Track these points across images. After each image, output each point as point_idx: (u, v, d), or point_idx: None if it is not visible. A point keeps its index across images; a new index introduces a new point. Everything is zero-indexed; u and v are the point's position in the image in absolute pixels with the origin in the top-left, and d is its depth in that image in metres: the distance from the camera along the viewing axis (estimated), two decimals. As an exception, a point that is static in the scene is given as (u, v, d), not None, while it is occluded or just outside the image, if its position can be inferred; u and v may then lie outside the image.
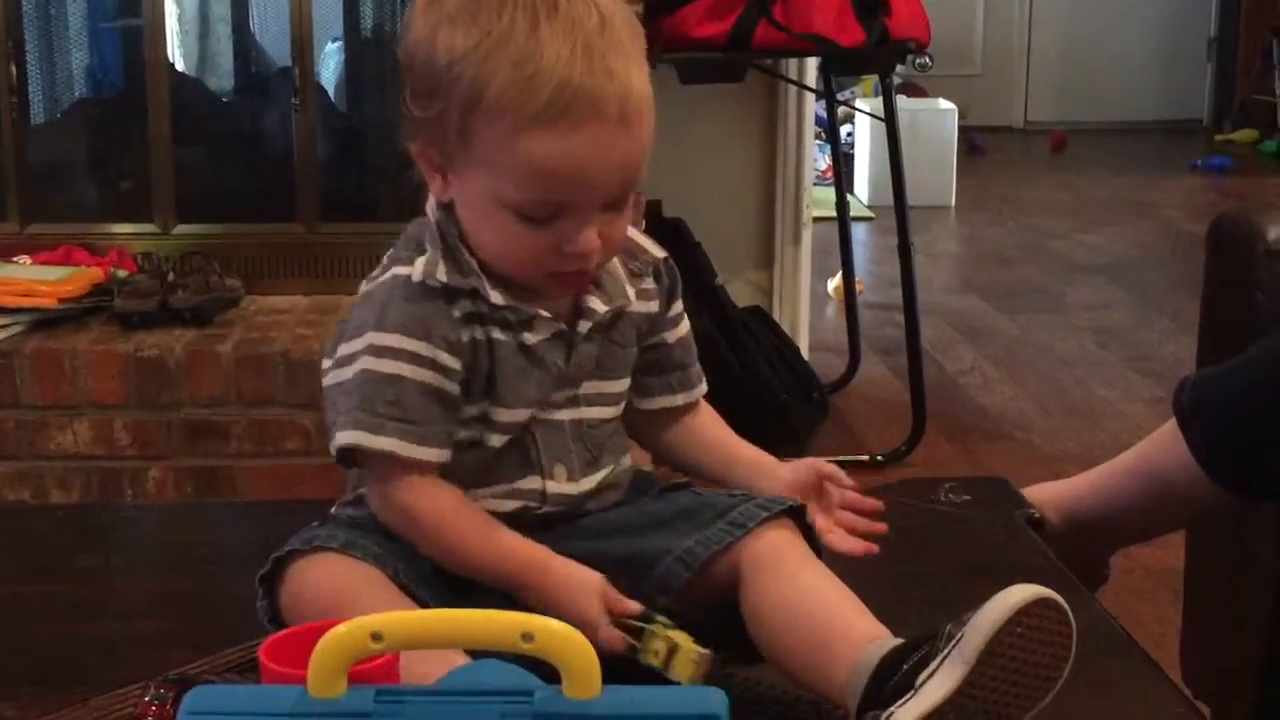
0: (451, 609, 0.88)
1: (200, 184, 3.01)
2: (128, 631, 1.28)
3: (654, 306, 1.20)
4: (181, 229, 2.95)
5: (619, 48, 1.06)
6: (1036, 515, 1.52)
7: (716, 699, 0.83)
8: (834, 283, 4.28)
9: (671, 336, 1.22)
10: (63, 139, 3.14)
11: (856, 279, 3.80)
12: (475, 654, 0.91)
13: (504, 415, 1.13)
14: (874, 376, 3.61)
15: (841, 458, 3.05)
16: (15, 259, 2.81)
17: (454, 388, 1.10)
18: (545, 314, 1.12)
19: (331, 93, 3.24)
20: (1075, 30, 8.38)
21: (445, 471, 1.11)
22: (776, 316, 3.51)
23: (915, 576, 1.08)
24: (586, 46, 1.04)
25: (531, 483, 1.14)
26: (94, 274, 2.76)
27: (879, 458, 3.02)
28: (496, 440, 1.13)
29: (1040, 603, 0.97)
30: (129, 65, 3.19)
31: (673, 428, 1.23)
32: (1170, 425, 1.54)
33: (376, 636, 0.80)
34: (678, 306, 1.22)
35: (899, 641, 1.01)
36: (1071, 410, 3.40)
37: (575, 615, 0.98)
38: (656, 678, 0.99)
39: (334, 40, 3.27)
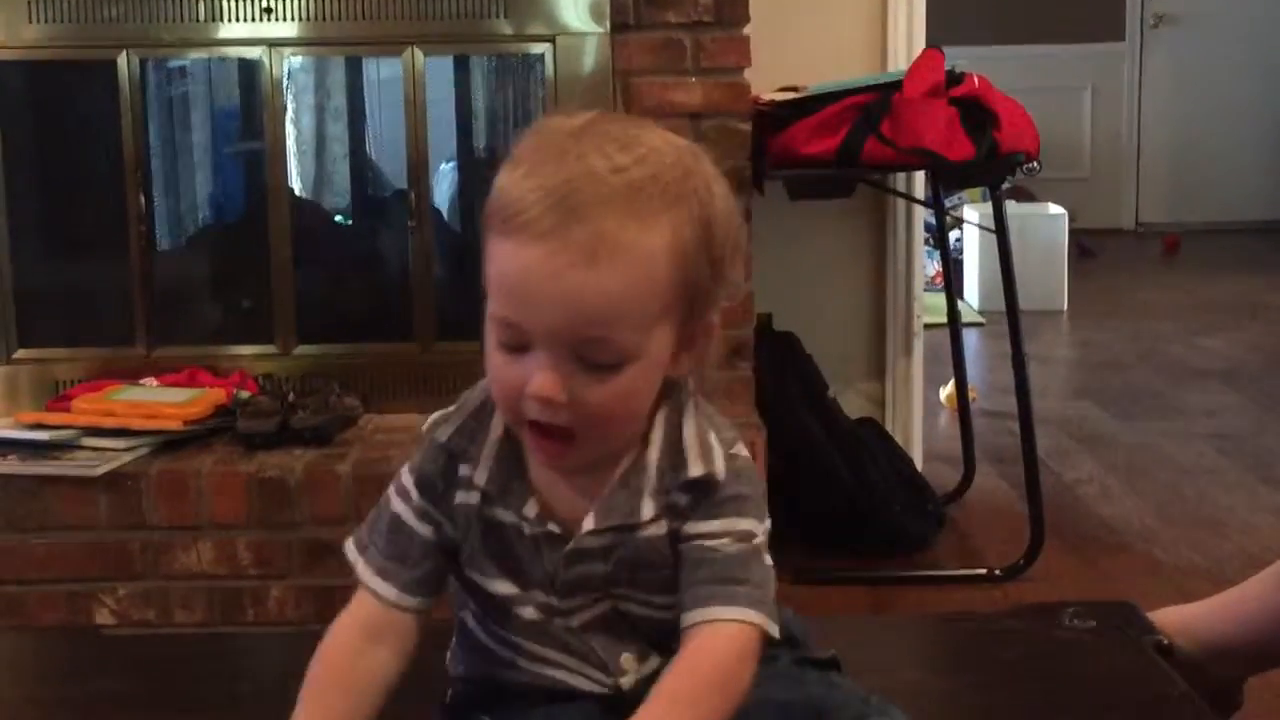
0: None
1: (319, 305, 3.07)
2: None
3: (680, 524, 1.13)
4: (301, 350, 3.01)
5: (617, 194, 1.04)
6: (1165, 641, 1.50)
7: None
8: (946, 391, 4.25)
9: (687, 548, 1.12)
10: (187, 264, 3.22)
11: (969, 386, 3.77)
12: None
13: (534, 595, 1.15)
14: (990, 487, 3.57)
15: (960, 572, 3.02)
16: (142, 381, 2.88)
17: (428, 534, 1.17)
18: (529, 515, 1.14)
19: (446, 213, 3.29)
20: (1185, 131, 8.32)
21: (497, 635, 1.17)
22: (889, 427, 3.49)
23: (1043, 711, 1.06)
24: (587, 175, 1.04)
25: (601, 677, 1.16)
26: (217, 395, 2.82)
27: (997, 572, 2.97)
28: (530, 613, 1.15)
29: None
30: (250, 190, 3.27)
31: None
32: (1301, 548, 1.51)
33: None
34: (706, 526, 1.12)
35: None
36: (1195, 521, 3.33)
37: None
38: None
39: (448, 161, 3.33)
